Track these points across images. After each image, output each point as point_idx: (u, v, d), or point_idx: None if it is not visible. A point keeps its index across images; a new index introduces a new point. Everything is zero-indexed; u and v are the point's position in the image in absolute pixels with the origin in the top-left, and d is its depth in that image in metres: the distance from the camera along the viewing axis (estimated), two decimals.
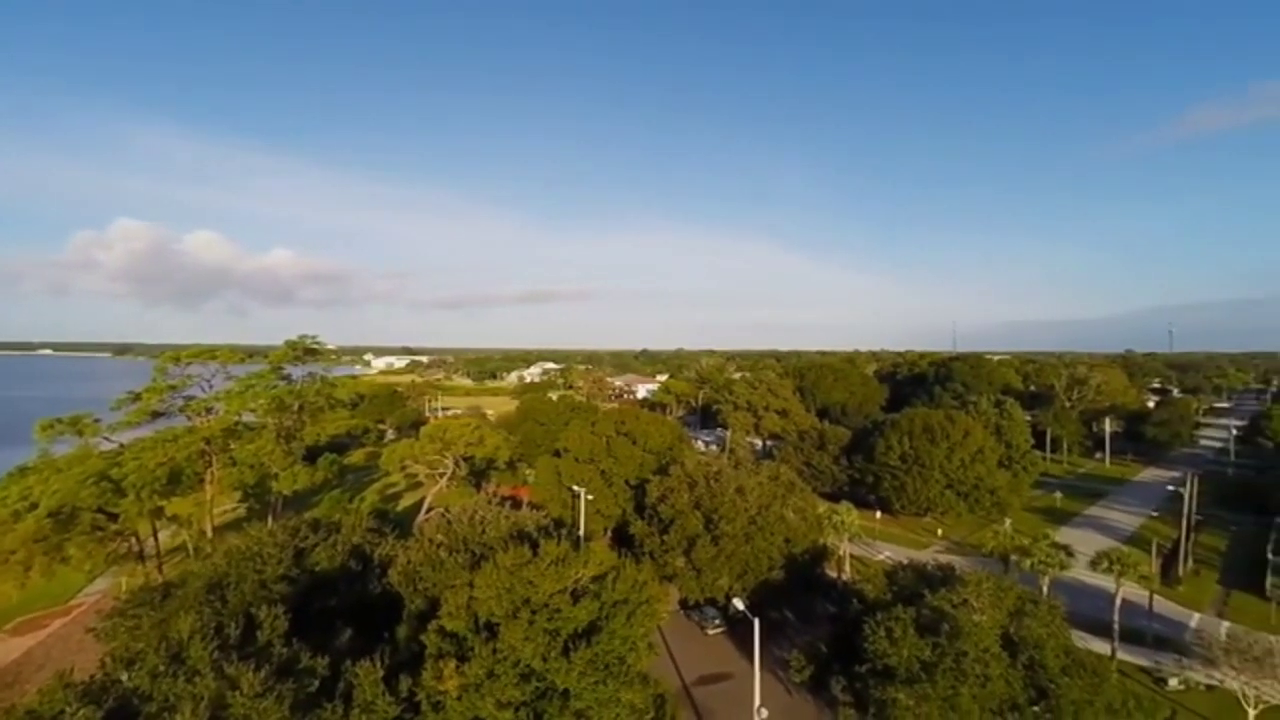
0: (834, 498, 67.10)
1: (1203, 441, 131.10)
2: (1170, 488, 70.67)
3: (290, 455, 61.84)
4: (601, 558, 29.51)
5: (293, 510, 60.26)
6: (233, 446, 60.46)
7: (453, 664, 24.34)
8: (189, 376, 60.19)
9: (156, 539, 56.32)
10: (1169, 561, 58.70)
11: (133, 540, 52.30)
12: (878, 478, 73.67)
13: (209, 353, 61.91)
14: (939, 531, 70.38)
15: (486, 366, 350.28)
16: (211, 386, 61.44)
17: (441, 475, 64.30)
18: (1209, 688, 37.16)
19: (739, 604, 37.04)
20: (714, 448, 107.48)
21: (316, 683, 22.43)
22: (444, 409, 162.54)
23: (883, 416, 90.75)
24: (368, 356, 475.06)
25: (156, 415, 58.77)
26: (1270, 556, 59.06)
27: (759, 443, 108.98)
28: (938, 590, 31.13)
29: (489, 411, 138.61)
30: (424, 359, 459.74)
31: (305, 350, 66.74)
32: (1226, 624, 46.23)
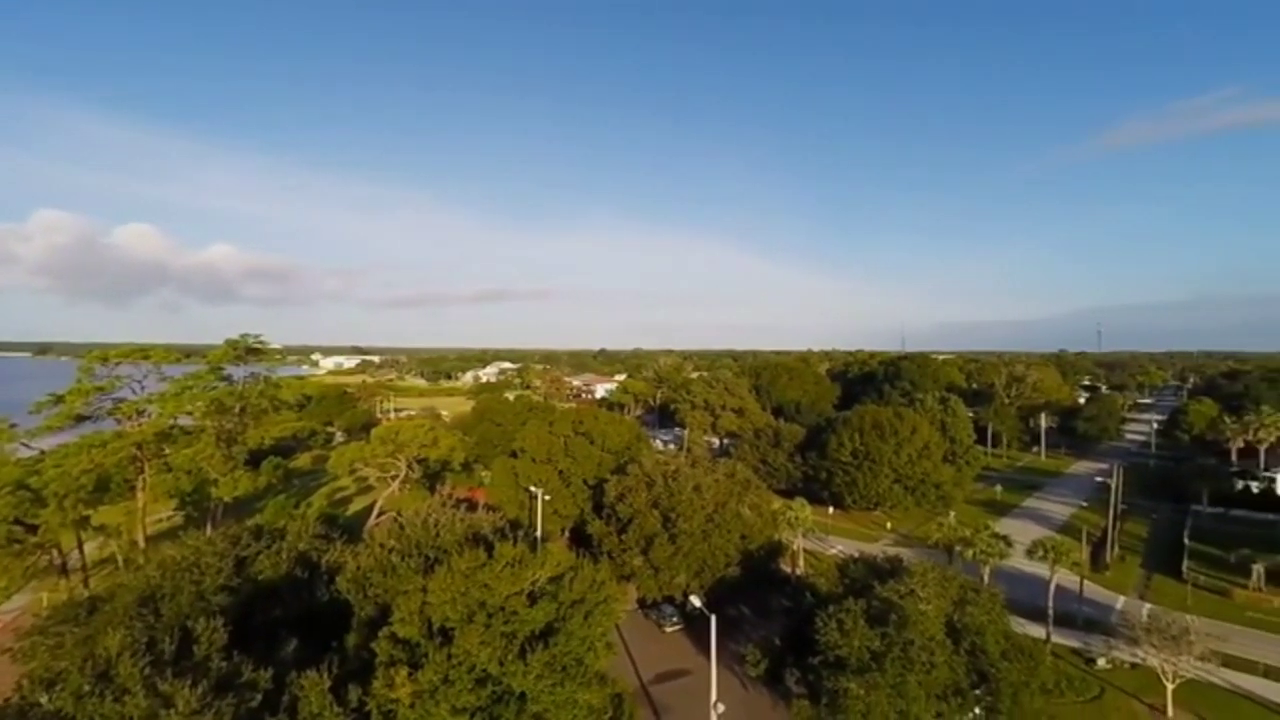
0: (789, 494, 68.49)
1: (1128, 435, 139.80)
2: (1099, 479, 74.94)
3: (231, 460, 59.06)
4: (559, 558, 29.27)
5: (234, 517, 57.48)
6: (167, 451, 57.27)
7: (405, 671, 23.73)
8: (118, 377, 56.65)
9: (82, 551, 52.83)
10: (1098, 549, 62.29)
11: (55, 553, 48.93)
12: (830, 474, 75.57)
13: (141, 352, 58.44)
14: (888, 525, 72.72)
15: (441, 366, 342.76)
16: (144, 388, 58.00)
17: (394, 478, 62.61)
18: (1133, 666, 39.58)
19: (696, 601, 37.40)
20: (672, 446, 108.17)
21: (259, 696, 21.51)
22: (396, 410, 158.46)
23: (835, 414, 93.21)
24: (316, 356, 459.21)
25: (81, 419, 55.11)
26: (1186, 542, 63.51)
27: (716, 441, 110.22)
28: (886, 582, 32.18)
29: (444, 412, 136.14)
30: (375, 359, 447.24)
31: (247, 350, 63.82)
32: (1148, 605, 49.35)
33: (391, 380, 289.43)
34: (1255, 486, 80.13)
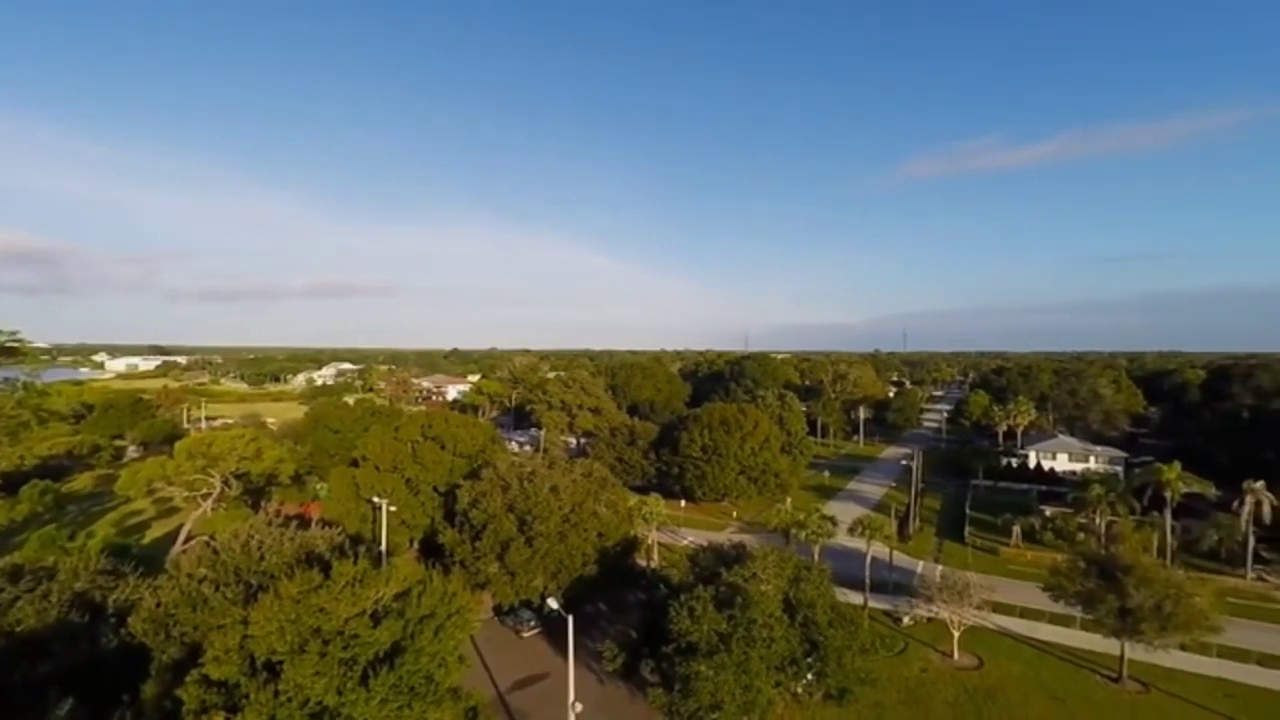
0: (644, 490, 70.76)
1: (926, 423, 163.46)
2: (904, 462, 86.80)
3: None
4: (406, 572, 27.50)
5: None
6: None
7: (220, 717, 20.92)
8: None
9: None
10: (903, 522, 72.05)
11: None
12: (682, 469, 79.27)
13: None
14: (734, 514, 77.95)
15: (266, 368, 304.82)
16: None
17: (206, 497, 54.74)
18: (930, 620, 46.38)
19: (554, 603, 37.28)
20: (528, 448, 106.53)
21: None
22: (210, 419, 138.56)
23: (686, 412, 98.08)
24: (101, 357, 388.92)
25: None
26: (967, 511, 75.78)
27: (573, 441, 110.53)
28: (732, 567, 34.52)
29: (270, 420, 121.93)
30: (181, 359, 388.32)
31: None
32: (940, 568, 58.08)
33: (203, 384, 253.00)
34: (1015, 462, 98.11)
